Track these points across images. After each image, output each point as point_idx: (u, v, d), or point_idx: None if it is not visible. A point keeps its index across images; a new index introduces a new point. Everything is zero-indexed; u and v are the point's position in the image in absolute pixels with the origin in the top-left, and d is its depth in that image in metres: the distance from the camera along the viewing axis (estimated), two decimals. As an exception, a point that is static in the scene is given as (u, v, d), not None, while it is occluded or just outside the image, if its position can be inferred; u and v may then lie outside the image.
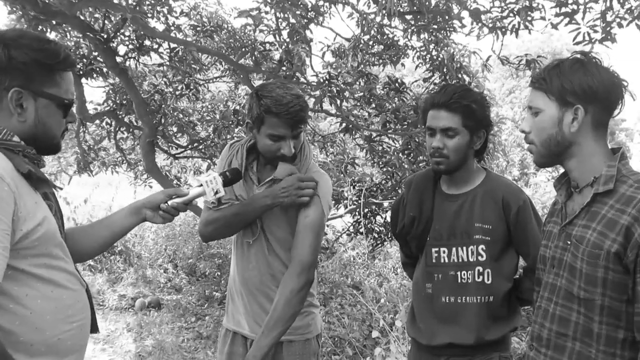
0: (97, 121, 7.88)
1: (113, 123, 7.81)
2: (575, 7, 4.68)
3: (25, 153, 1.55)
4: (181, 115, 7.33)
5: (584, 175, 1.71)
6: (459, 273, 2.25)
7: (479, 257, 2.22)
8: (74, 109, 1.74)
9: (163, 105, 6.93)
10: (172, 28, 6.40)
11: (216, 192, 2.08)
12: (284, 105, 2.14)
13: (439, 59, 6.56)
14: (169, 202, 1.98)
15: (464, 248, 2.24)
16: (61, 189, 1.74)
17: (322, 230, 2.24)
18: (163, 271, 8.36)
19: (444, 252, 2.28)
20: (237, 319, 2.41)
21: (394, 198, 7.26)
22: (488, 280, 2.21)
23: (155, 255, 8.83)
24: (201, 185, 2.06)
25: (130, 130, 7.81)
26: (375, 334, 3.39)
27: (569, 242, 1.70)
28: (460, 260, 2.25)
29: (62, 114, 1.65)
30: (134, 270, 8.16)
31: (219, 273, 7.95)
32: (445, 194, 2.33)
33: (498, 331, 2.25)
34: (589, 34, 4.61)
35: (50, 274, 1.54)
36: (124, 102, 7.15)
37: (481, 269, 2.21)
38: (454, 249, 2.26)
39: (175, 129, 7.55)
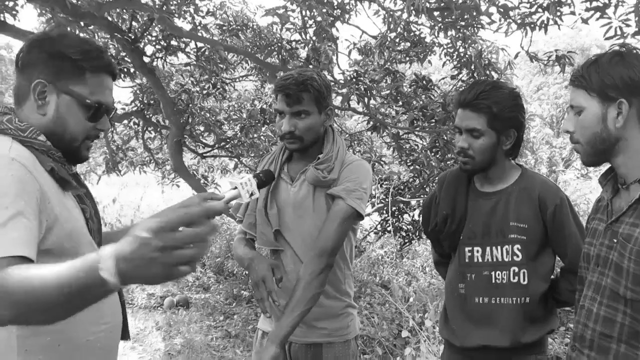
0: (125, 121, 7.94)
1: (141, 123, 7.87)
2: (606, 0, 4.59)
3: (49, 154, 1.52)
4: (208, 115, 7.34)
5: (632, 171, 1.64)
6: (493, 273, 2.19)
7: (515, 257, 2.16)
8: (106, 117, 1.66)
9: (190, 105, 6.96)
10: (199, 27, 6.41)
11: (251, 194, 2.02)
12: (282, 79, 2.18)
13: (467, 55, 6.49)
14: None
15: (499, 247, 2.19)
16: (85, 189, 1.66)
17: (348, 220, 2.19)
18: (191, 270, 8.37)
19: (477, 251, 2.22)
20: (272, 321, 2.37)
21: (422, 196, 7.22)
22: (524, 280, 2.15)
23: (183, 254, 8.83)
24: (236, 187, 2.00)
25: (158, 129, 7.85)
26: (405, 333, 3.34)
27: (615, 240, 1.64)
28: (494, 259, 2.19)
29: (84, 114, 1.58)
30: (162, 269, 8.18)
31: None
32: (479, 191, 2.27)
33: (534, 333, 2.18)
34: (620, 28, 4.51)
35: None
36: (152, 102, 7.20)
37: (517, 269, 2.16)
38: (488, 248, 2.20)
39: (202, 128, 7.59)
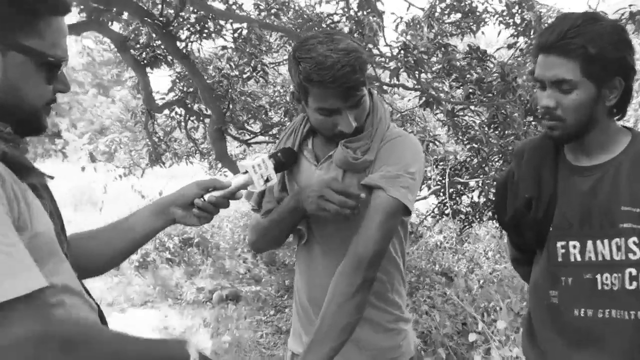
0: (166, 111, 7.70)
1: (182, 112, 7.62)
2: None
3: None
4: (250, 100, 6.99)
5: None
6: (598, 277, 1.59)
7: (630, 255, 1.54)
8: (65, 71, 1.23)
9: (230, 90, 6.62)
10: (234, 7, 6.06)
11: (266, 180, 1.64)
12: (327, 69, 1.55)
13: (525, 21, 6.00)
14: (206, 197, 1.56)
15: (605, 241, 1.58)
16: (52, 178, 1.22)
17: (392, 217, 1.68)
18: (242, 261, 8.11)
19: (574, 246, 1.62)
20: (303, 340, 1.93)
21: (481, 176, 6.76)
22: None
23: (234, 245, 8.60)
24: (246, 171, 1.62)
25: (201, 118, 7.58)
26: (472, 337, 2.89)
27: None
28: (600, 258, 1.59)
29: (44, 76, 1.17)
30: (212, 262, 7.95)
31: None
32: (574, 166, 1.67)
33: None
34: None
35: None
36: (191, 89, 6.92)
37: (634, 272, 1.54)
38: (589, 243, 1.60)
39: (245, 116, 7.27)
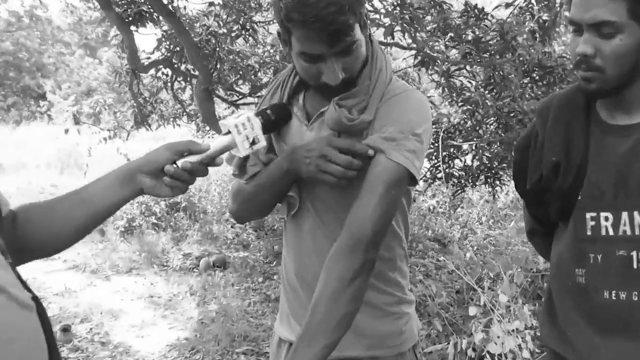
0: (152, 71, 7.43)
1: (169, 72, 7.36)
2: None
3: None
4: (238, 59, 6.72)
5: None
6: (634, 254, 1.35)
7: None
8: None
9: (218, 49, 6.35)
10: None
11: (252, 142, 1.38)
12: (310, 6, 1.29)
13: (525, -24, 5.75)
14: (179, 163, 1.29)
15: None
16: None
17: (396, 186, 1.42)
18: (230, 226, 7.93)
19: (606, 218, 1.38)
20: (292, 324, 1.69)
21: (475, 140, 6.56)
22: None
23: (222, 210, 8.41)
24: (228, 132, 1.37)
25: (188, 79, 7.33)
26: (473, 310, 2.71)
27: None
28: (637, 232, 1.34)
29: None
30: (199, 227, 7.77)
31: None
32: (609, 125, 1.41)
33: None
34: None
35: None
36: (178, 48, 6.65)
37: None
38: (624, 214, 1.35)
39: (233, 76, 7.00)
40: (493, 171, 7.10)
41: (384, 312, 1.61)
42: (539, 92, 6.75)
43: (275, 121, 1.49)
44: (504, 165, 7.02)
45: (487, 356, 2.52)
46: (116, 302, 5.42)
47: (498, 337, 2.38)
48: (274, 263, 6.50)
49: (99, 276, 6.30)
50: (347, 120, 1.46)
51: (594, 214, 1.40)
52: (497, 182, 7.30)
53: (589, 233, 1.41)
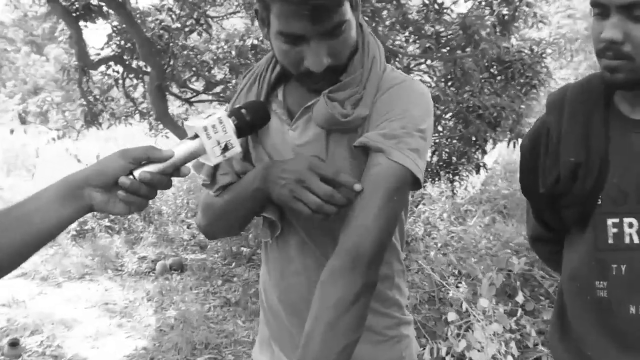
0: (103, 68, 7.16)
1: (120, 70, 7.10)
2: None
3: None
4: (192, 54, 6.51)
5: None
6: None
7: None
8: None
9: (171, 44, 6.13)
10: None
11: (225, 148, 1.14)
12: None
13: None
14: (136, 174, 1.07)
15: None
16: None
17: (398, 191, 1.21)
18: (186, 227, 7.71)
19: (630, 225, 1.23)
20: (274, 350, 1.51)
21: (434, 135, 6.50)
22: None
23: (177, 210, 8.17)
24: (196, 136, 1.14)
25: (140, 76, 7.08)
26: (452, 316, 2.57)
27: None
28: None
29: None
30: (154, 229, 7.52)
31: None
32: (630, 119, 1.26)
33: None
34: None
35: None
36: (129, 44, 6.42)
37: None
38: None
39: (187, 72, 6.78)
40: (452, 167, 7.07)
41: (382, 337, 1.42)
42: (498, 87, 6.74)
43: (251, 123, 1.23)
44: (463, 160, 7.00)
45: (468, 363, 2.40)
46: (69, 311, 5.16)
47: (479, 342, 2.26)
48: (233, 264, 6.33)
49: (50, 283, 6.01)
50: (342, 116, 1.26)
51: (616, 220, 1.25)
52: (457, 178, 7.28)
53: (610, 241, 1.26)
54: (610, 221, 1.25)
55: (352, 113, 1.27)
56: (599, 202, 1.27)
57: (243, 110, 1.22)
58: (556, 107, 1.34)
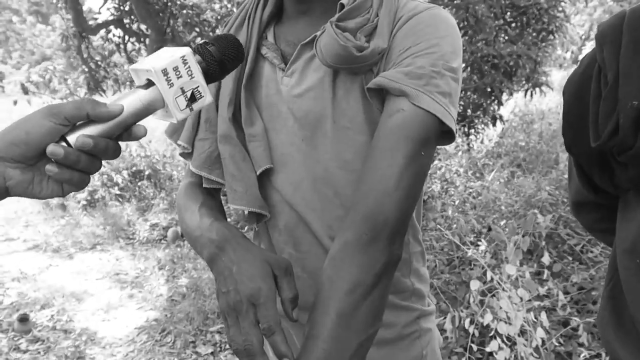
0: (103, 33, 6.96)
1: (121, 34, 6.89)
2: None
3: None
4: (192, 13, 6.28)
5: None
6: None
7: None
8: None
9: (169, 3, 5.90)
10: None
11: (191, 97, 0.83)
12: None
13: None
14: (71, 139, 0.76)
15: None
16: None
17: (425, 144, 0.94)
18: (198, 191, 7.56)
19: None
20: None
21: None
22: None
23: (188, 174, 8.02)
24: (149, 82, 0.82)
25: (142, 40, 6.88)
26: (475, 284, 2.35)
27: None
28: None
29: None
30: (165, 195, 7.38)
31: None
32: None
33: None
34: None
35: None
36: (127, 7, 6.21)
37: None
38: None
39: (189, 33, 6.56)
40: (468, 119, 6.84)
41: (399, 334, 1.18)
42: (513, 35, 6.46)
43: (222, 62, 0.87)
44: (479, 112, 6.76)
45: (494, 335, 2.20)
46: (80, 283, 5.06)
47: (506, 312, 2.05)
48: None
49: (62, 255, 5.91)
50: (356, 49, 0.97)
51: None
52: (472, 131, 7.05)
53: None
54: None
55: (369, 46, 0.98)
56: None
57: (210, 47, 0.87)
58: (611, 38, 0.98)
